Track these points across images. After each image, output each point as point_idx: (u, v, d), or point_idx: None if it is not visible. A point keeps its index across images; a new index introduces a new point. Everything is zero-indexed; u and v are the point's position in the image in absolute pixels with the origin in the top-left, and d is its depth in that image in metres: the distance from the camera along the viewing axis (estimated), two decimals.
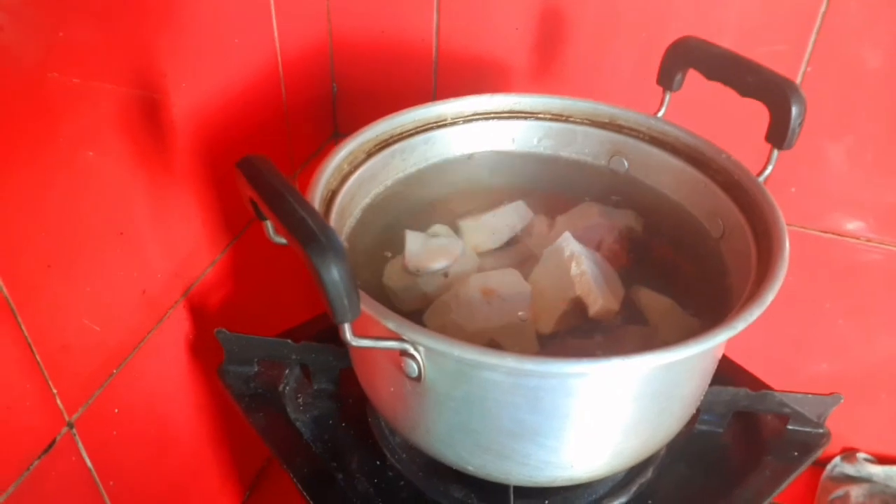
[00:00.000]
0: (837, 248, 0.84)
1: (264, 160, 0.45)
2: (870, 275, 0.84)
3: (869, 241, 0.82)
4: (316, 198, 0.54)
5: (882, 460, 0.98)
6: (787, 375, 0.95)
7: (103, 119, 0.54)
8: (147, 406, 0.68)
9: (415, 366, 0.45)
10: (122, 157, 0.57)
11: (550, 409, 0.45)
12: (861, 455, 0.98)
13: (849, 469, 0.98)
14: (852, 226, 0.82)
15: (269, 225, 0.49)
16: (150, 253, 0.63)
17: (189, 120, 0.64)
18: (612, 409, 0.47)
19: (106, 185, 0.56)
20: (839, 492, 0.97)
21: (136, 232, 0.61)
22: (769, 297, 0.46)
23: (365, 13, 0.84)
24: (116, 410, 0.63)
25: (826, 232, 0.84)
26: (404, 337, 0.43)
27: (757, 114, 0.56)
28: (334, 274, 0.38)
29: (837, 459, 0.99)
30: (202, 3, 0.63)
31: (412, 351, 0.44)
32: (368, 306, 0.43)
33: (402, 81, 0.88)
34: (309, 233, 0.38)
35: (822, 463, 0.99)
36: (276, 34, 0.76)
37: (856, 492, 0.96)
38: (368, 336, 0.43)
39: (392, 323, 0.43)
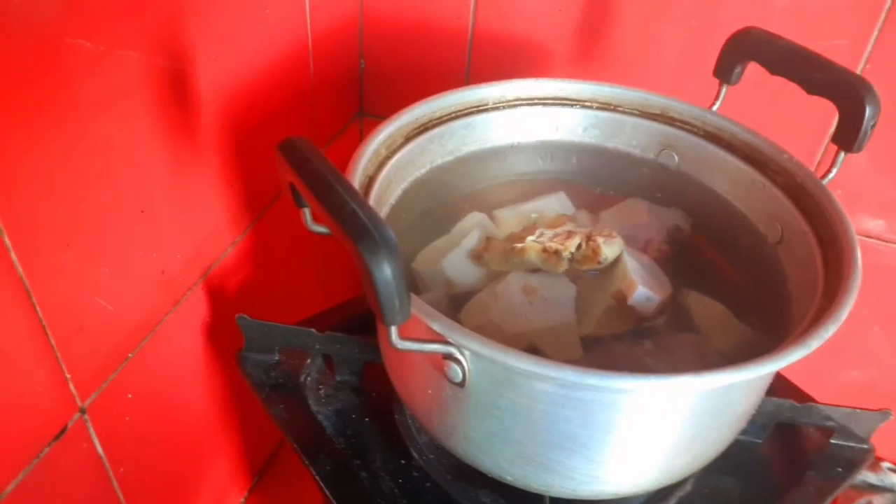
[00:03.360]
0: (871, 253, 0.81)
1: (307, 142, 0.42)
2: None
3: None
4: (354, 185, 0.50)
5: None
6: (817, 381, 0.91)
7: (125, 90, 0.50)
8: (161, 391, 0.65)
9: (459, 371, 0.42)
10: (145, 131, 0.54)
11: (603, 423, 0.42)
12: (886, 465, 0.96)
13: (871, 478, 0.96)
14: (873, 225, 0.79)
15: (307, 212, 0.46)
16: (171, 232, 0.60)
17: (216, 92, 0.60)
18: (668, 425, 0.44)
19: (128, 159, 0.53)
20: (861, 501, 0.94)
21: (157, 209, 0.57)
22: (844, 312, 0.42)
23: None
24: (130, 395, 0.60)
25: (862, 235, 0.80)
26: (450, 340, 0.40)
27: (817, 112, 0.52)
28: (387, 273, 0.35)
29: None
30: None
31: (458, 355, 0.41)
32: (415, 306, 0.40)
33: (433, 61, 0.84)
34: (361, 227, 0.35)
35: None
36: (307, 4, 0.72)
37: (878, 501, 0.93)
38: (411, 338, 0.40)
39: (438, 325, 0.40)
